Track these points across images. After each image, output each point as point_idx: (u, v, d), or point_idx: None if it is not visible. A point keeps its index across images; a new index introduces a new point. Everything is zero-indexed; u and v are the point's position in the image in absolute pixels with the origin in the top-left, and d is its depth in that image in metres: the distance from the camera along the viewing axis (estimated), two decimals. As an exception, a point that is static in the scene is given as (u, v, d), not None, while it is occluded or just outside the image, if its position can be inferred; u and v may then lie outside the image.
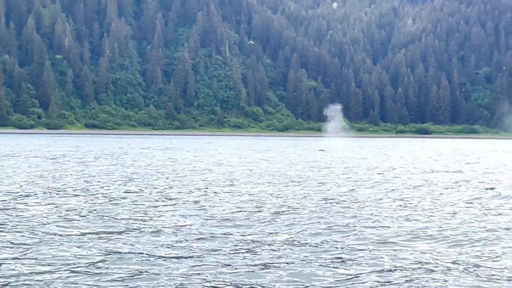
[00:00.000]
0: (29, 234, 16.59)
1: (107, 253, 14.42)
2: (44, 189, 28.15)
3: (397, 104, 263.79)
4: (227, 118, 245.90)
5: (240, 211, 21.58)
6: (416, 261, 13.97)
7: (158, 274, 12.66)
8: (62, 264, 13.34)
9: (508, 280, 12.48)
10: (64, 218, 19.39)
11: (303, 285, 12.04)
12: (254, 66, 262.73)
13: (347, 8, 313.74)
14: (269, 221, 19.32)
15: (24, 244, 15.28)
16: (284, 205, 23.21)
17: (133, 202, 23.83)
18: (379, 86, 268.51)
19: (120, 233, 16.97)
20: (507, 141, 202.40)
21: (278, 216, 20.49)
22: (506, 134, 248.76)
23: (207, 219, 19.62)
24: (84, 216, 19.92)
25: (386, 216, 20.57)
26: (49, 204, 22.80)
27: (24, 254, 14.19)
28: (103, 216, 19.95)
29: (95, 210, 21.39)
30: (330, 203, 24.18)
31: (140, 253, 14.42)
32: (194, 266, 13.34)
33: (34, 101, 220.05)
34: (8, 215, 19.94)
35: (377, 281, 12.22)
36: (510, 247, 15.75)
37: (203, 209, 22.04)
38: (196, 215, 20.53)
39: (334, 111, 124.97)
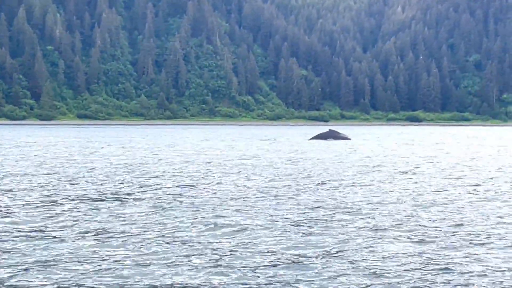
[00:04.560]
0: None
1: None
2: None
3: (388, 92, 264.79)
4: (219, 108, 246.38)
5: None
6: None
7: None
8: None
9: None
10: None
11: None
12: (245, 56, 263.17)
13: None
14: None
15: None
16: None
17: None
18: (370, 75, 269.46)
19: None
20: (498, 128, 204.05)
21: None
22: (496, 121, 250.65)
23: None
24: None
25: None
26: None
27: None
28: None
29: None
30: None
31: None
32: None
33: (26, 92, 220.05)
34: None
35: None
36: None
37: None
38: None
39: None
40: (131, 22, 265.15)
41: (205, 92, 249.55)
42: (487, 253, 14.45)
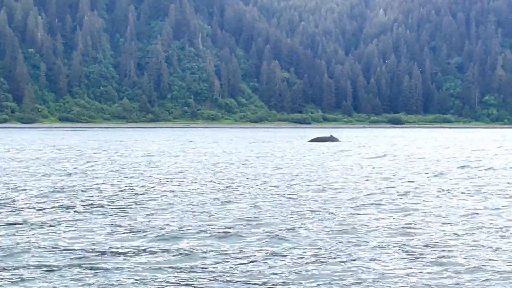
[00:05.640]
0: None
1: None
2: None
3: (370, 94, 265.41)
4: (201, 110, 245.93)
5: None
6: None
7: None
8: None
9: None
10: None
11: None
12: (227, 58, 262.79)
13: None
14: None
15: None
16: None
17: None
18: (352, 77, 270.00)
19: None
20: (481, 130, 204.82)
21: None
22: (478, 123, 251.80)
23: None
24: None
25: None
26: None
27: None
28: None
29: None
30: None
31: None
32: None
33: (7, 95, 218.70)
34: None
35: None
36: None
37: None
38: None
39: None
40: (113, 24, 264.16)
41: (188, 94, 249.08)
42: None
